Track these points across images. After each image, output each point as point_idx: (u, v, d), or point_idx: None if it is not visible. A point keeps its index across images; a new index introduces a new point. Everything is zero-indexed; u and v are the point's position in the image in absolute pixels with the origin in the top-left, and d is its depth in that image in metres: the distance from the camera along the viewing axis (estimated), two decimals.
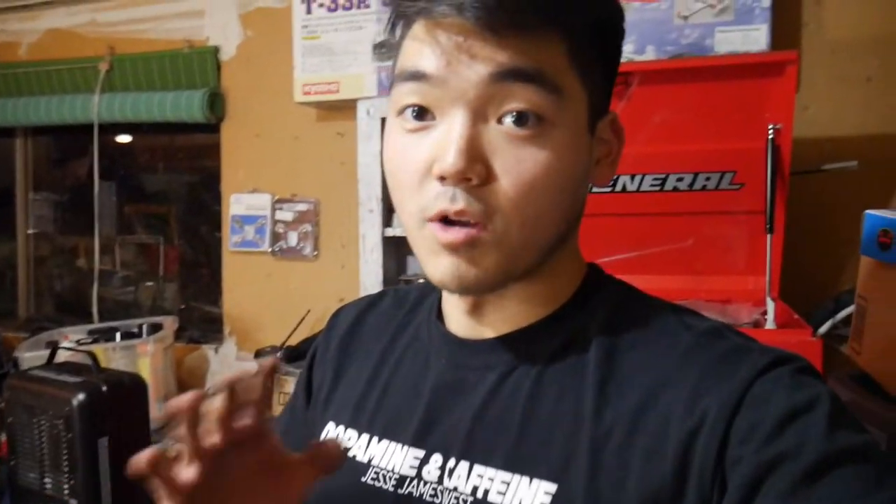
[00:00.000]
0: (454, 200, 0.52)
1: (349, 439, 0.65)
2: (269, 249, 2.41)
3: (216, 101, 2.46)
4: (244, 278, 2.48)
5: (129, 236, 3.15)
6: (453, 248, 0.54)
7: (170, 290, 3.09)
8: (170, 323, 2.27)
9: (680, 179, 1.68)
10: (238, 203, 2.46)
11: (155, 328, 2.23)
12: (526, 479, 0.54)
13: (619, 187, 1.72)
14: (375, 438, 0.63)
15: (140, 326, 2.23)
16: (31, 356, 2.01)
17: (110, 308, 2.92)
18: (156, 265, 3.15)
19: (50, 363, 1.55)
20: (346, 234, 2.31)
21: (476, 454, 0.57)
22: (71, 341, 2.20)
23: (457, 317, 0.64)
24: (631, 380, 0.55)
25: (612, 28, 0.57)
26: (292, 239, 2.36)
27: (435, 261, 0.55)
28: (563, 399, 0.56)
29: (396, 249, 2.12)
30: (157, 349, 2.09)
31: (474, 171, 0.51)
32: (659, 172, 1.68)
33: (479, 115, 0.52)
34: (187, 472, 0.49)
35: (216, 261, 2.62)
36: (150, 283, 3.16)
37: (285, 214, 2.36)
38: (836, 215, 1.83)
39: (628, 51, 1.91)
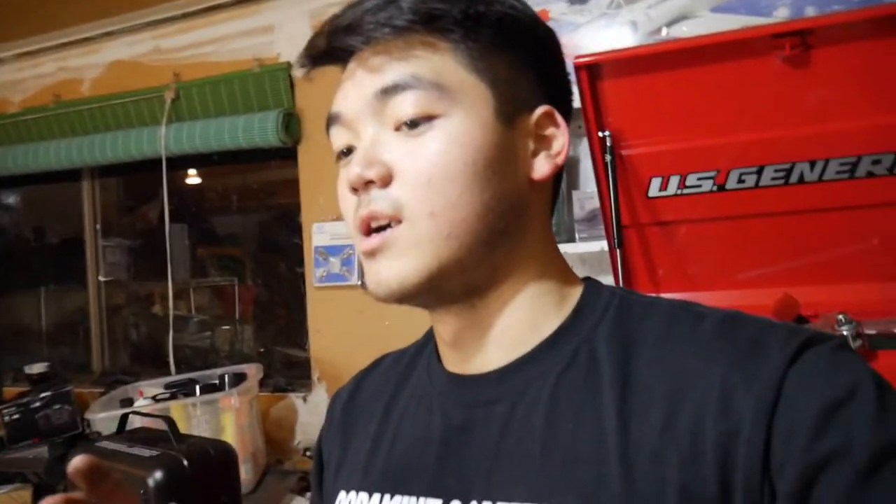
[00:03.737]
0: (365, 205, 0.56)
1: (360, 503, 0.62)
2: (359, 282, 2.17)
3: (291, 123, 2.23)
4: (332, 316, 2.23)
5: (204, 279, 2.97)
6: (371, 255, 0.56)
7: (248, 333, 2.88)
8: (254, 372, 2.01)
9: (876, 162, 1.33)
10: (321, 233, 2.21)
11: (237, 378, 1.97)
12: None
13: (794, 178, 1.38)
14: (387, 496, 0.61)
15: (221, 377, 1.98)
16: (103, 417, 1.78)
17: (187, 356, 2.71)
18: (232, 308, 2.95)
19: (120, 431, 1.29)
20: None
21: (498, 492, 0.54)
22: (147, 398, 1.96)
23: (447, 351, 0.63)
24: (652, 384, 0.52)
25: (512, 26, 0.59)
26: None
27: (366, 273, 0.58)
28: (582, 416, 0.54)
29: None
30: (241, 402, 1.83)
31: (372, 172, 0.55)
32: (848, 155, 1.34)
33: (379, 127, 0.57)
34: None
35: (299, 299, 2.37)
36: (227, 328, 2.97)
37: None
38: None
39: (783, 15, 1.58)
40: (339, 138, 0.60)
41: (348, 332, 2.20)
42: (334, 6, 2.03)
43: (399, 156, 0.56)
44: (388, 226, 0.56)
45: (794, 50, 1.27)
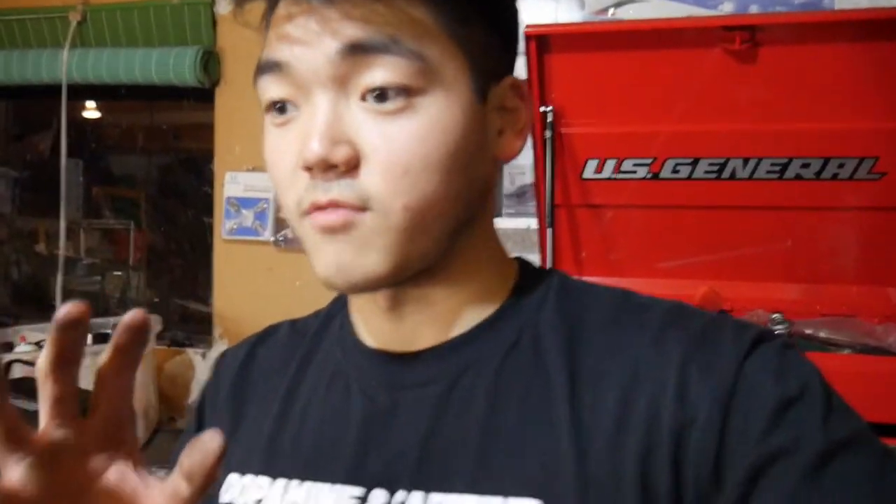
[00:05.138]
0: (324, 191, 0.48)
1: (259, 488, 0.56)
2: (272, 238, 2.06)
3: (210, 62, 2.08)
4: (240, 272, 2.12)
5: (97, 220, 2.78)
6: (331, 232, 0.49)
7: (144, 281, 2.73)
8: (152, 323, 1.89)
9: (805, 165, 1.36)
10: (234, 183, 2.09)
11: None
12: (498, 499, 0.48)
13: (726, 173, 1.39)
14: (295, 482, 0.55)
15: (114, 327, 1.84)
16: None
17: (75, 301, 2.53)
18: (126, 253, 2.78)
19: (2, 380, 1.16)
20: None
21: (431, 481, 0.51)
22: (29, 343, 1.81)
23: (376, 326, 0.57)
24: (602, 371, 0.51)
25: None
26: None
27: (318, 254, 0.50)
28: (528, 404, 0.51)
29: None
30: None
31: (339, 155, 0.48)
32: (780, 156, 1.36)
33: (339, 94, 0.49)
34: (53, 431, 0.39)
35: (203, 250, 2.25)
36: (120, 274, 2.80)
37: None
38: None
39: (728, 9, 1.58)
40: (274, 89, 0.51)
41: (256, 289, 2.10)
42: None
43: (370, 137, 0.48)
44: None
45: (743, 45, 1.27)
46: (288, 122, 0.51)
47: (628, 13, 1.66)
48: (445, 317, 0.56)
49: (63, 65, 2.14)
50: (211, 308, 2.20)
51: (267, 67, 0.50)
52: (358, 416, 0.56)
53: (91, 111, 2.66)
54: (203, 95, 2.17)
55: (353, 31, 0.47)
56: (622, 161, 1.44)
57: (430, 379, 0.54)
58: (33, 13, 2.24)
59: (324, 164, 0.48)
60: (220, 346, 2.15)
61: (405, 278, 0.52)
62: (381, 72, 0.47)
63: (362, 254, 0.49)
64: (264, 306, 2.07)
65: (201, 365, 2.16)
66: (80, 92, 2.30)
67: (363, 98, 0.48)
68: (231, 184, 2.10)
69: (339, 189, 0.48)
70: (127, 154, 2.85)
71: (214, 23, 2.11)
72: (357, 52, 0.47)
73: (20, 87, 2.29)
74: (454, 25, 0.50)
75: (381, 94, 0.48)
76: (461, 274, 0.55)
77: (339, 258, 0.49)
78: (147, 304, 2.62)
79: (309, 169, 0.48)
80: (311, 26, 0.48)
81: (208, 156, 2.21)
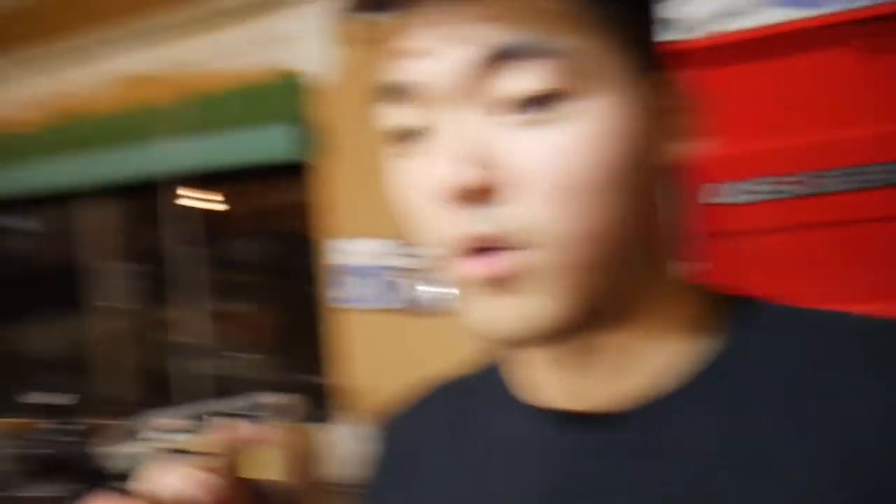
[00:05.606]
0: (470, 224, 0.40)
1: None
2: (391, 305, 2.06)
3: (312, 137, 2.13)
4: (363, 341, 2.11)
5: (219, 304, 2.89)
6: (498, 285, 0.40)
7: (267, 362, 2.78)
8: (297, 402, 1.88)
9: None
10: (346, 252, 2.10)
11: (274, 409, 1.84)
12: None
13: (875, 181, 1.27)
14: None
15: (254, 407, 1.85)
16: (118, 452, 1.65)
17: (200, 386, 2.60)
18: (250, 335, 2.86)
19: None
20: None
21: None
22: (163, 430, 1.84)
23: (547, 381, 0.48)
24: (846, 421, 0.40)
25: None
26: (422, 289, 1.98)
27: (483, 309, 0.42)
28: (777, 469, 0.41)
29: None
30: (287, 437, 1.69)
31: (480, 178, 0.40)
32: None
33: (475, 110, 0.41)
34: None
35: (323, 323, 2.26)
36: (245, 355, 2.88)
37: (409, 260, 1.98)
38: None
39: (835, 8, 1.45)
40: (397, 115, 0.44)
41: (380, 357, 2.09)
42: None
43: (519, 157, 0.40)
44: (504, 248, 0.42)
45: (881, 38, 1.16)
46: (418, 152, 0.44)
47: (730, 27, 1.56)
48: (628, 365, 0.47)
49: (170, 155, 2.24)
50: (337, 381, 2.19)
51: (387, 91, 0.44)
52: (544, 491, 0.48)
53: (199, 200, 2.78)
54: (305, 171, 2.21)
55: (485, 35, 0.40)
56: (754, 181, 1.33)
57: (630, 445, 0.46)
58: (139, 110, 2.37)
59: (465, 193, 0.40)
60: (351, 419, 2.14)
61: (586, 324, 0.44)
62: (524, 78, 0.40)
63: (533, 303, 0.41)
64: (391, 374, 2.05)
65: (329, 439, 2.15)
66: (187, 182, 2.40)
67: (504, 111, 0.41)
68: (343, 253, 2.11)
69: (490, 221, 0.40)
70: (238, 238, 2.95)
71: (311, 98, 2.17)
72: (493, 59, 0.40)
73: (131, 184, 2.41)
74: (599, 12, 0.42)
75: (525, 105, 0.40)
76: (645, 311, 0.46)
77: (505, 312, 0.41)
78: (271, 384, 2.65)
79: (449, 200, 0.41)
80: (436, 36, 0.41)
81: (318, 230, 2.25)
